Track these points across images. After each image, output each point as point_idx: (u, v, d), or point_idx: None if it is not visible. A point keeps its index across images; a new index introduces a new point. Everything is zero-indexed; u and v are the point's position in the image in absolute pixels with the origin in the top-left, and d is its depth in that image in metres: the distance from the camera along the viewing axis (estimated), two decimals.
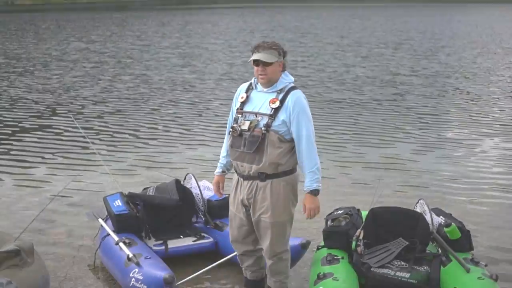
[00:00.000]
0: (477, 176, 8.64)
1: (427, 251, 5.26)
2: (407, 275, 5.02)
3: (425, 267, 5.06)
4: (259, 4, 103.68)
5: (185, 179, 6.35)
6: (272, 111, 4.40)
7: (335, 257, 5.04)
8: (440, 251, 5.18)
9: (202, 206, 6.03)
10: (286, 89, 4.45)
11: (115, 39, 32.24)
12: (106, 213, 5.90)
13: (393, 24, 45.79)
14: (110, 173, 7.26)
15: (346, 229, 5.26)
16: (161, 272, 4.69)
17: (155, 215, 5.84)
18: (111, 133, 11.45)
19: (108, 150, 9.97)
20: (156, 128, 11.82)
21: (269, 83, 4.46)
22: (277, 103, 4.39)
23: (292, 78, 4.56)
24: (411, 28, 42.72)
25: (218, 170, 4.89)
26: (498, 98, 15.06)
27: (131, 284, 4.81)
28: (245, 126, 4.45)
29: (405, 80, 17.97)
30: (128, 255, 5.02)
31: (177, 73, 19.46)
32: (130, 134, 11.34)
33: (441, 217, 5.41)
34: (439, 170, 8.97)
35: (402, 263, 5.13)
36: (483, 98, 15.02)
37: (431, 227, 5.24)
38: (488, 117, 12.73)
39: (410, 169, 8.88)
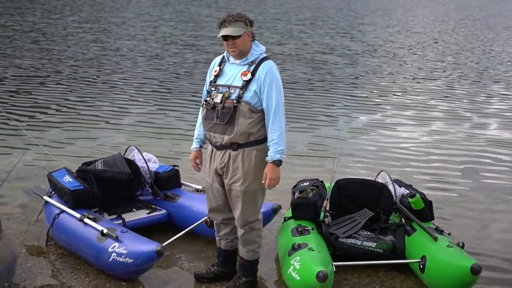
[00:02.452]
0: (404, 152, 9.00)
1: (391, 221, 5.44)
2: (373, 244, 5.22)
3: (390, 237, 5.26)
4: None
5: (126, 151, 6.26)
6: (244, 83, 4.46)
7: (306, 228, 5.13)
8: (403, 221, 5.36)
9: (149, 178, 5.99)
10: (258, 60, 4.52)
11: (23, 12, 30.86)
12: (50, 189, 5.77)
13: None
14: (42, 147, 7.14)
15: (314, 200, 5.37)
16: (150, 245, 4.67)
17: (106, 190, 5.73)
18: (31, 110, 10.99)
19: (33, 128, 9.57)
20: (73, 107, 11.42)
21: (240, 55, 4.53)
22: (249, 75, 4.47)
23: (263, 48, 4.62)
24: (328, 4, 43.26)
25: (194, 145, 4.90)
26: (417, 78, 15.57)
27: (111, 259, 4.73)
28: (218, 99, 4.52)
29: (327, 59, 18.26)
30: (102, 230, 4.91)
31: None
32: (49, 112, 10.94)
33: (402, 188, 5.62)
34: (377, 142, 9.28)
35: (368, 233, 5.32)
36: (402, 77, 15.51)
37: (394, 198, 5.41)
38: (408, 98, 13.14)
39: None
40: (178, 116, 10.80)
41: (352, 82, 14.80)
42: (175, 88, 13.43)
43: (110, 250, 4.74)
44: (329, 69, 16.41)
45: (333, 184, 5.52)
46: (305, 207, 5.35)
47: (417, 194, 5.35)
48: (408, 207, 5.34)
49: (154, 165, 6.07)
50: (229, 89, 4.50)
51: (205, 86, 4.73)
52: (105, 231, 4.89)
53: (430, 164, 8.48)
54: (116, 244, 4.76)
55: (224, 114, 4.47)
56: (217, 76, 4.62)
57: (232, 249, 4.97)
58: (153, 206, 5.85)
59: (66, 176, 5.62)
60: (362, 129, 10.34)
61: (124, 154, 6.12)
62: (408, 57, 19.45)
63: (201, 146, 4.89)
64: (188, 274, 5.12)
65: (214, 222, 4.96)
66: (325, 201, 5.39)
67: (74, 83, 13.49)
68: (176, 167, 6.12)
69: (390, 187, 5.51)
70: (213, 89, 4.58)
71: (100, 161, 5.86)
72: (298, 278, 4.49)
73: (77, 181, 5.55)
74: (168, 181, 5.95)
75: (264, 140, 4.53)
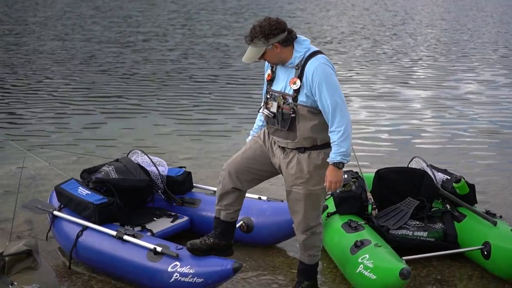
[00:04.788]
0: None
1: (434, 208, 5.36)
2: (425, 233, 5.14)
3: (439, 224, 5.20)
4: None
5: (128, 155, 5.85)
6: (294, 91, 4.18)
7: (359, 223, 4.96)
8: (448, 207, 5.28)
9: (161, 183, 5.63)
10: (303, 61, 4.17)
11: None
12: (57, 203, 5.31)
13: None
14: (37, 157, 6.56)
15: (359, 193, 5.21)
16: (222, 261, 4.33)
17: (122, 199, 5.29)
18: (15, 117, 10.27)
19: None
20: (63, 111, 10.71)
21: (281, 62, 4.23)
22: (298, 83, 4.15)
23: (308, 42, 4.24)
24: None
25: (249, 138, 4.63)
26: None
27: (172, 279, 4.34)
28: (274, 108, 4.25)
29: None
30: (154, 248, 4.49)
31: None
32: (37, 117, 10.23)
33: (440, 173, 5.53)
34: None
35: (417, 222, 5.23)
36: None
37: (436, 184, 5.32)
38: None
39: None
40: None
41: None
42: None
43: (170, 270, 4.35)
44: None
45: (373, 175, 5.40)
46: (351, 200, 5.19)
47: (462, 178, 5.27)
48: (452, 193, 5.26)
49: (163, 169, 5.70)
50: (283, 97, 4.22)
51: (263, 87, 4.45)
52: (158, 249, 4.49)
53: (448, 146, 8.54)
54: (177, 263, 4.36)
55: (284, 120, 4.21)
56: (271, 81, 4.34)
57: (232, 221, 4.59)
58: (173, 213, 5.50)
59: (80, 188, 5.16)
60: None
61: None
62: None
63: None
64: (235, 282, 4.86)
65: (219, 188, 4.49)
66: (369, 193, 5.25)
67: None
68: (185, 168, 5.79)
69: (429, 173, 5.41)
70: (268, 96, 4.32)
71: (110, 168, 5.44)
72: (375, 277, 4.32)
73: (95, 193, 5.10)
74: (182, 184, 5.61)
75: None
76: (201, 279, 4.27)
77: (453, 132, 9.15)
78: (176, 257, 4.38)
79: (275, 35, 4.08)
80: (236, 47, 17.43)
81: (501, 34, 21.82)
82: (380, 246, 4.59)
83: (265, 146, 4.41)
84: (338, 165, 4.16)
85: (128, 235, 4.72)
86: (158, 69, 14.30)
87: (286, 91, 4.19)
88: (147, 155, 5.73)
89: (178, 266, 4.33)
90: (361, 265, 4.44)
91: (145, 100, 11.30)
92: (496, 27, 24.32)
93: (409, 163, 5.72)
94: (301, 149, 4.23)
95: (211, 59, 15.63)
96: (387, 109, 10.62)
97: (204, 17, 25.95)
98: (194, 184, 5.79)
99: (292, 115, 4.15)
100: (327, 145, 4.21)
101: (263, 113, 4.34)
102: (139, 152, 5.81)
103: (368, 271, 4.37)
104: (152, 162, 5.69)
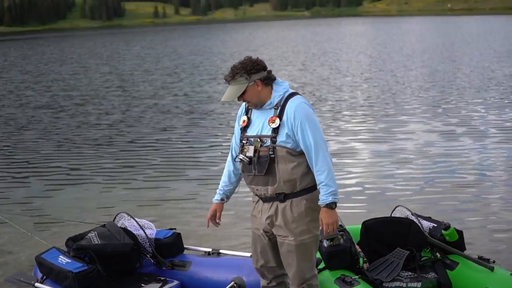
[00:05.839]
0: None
1: (424, 257, 5.25)
2: (418, 284, 5.03)
3: (432, 274, 5.10)
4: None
5: (114, 219, 5.63)
6: (273, 130, 4.12)
7: (353, 278, 4.80)
8: (438, 256, 5.18)
9: (149, 246, 5.40)
10: (282, 100, 4.15)
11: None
12: (40, 274, 5.06)
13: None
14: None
15: (348, 246, 5.06)
16: None
17: (106, 266, 5.06)
18: None
19: None
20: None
21: (259, 105, 4.20)
22: (277, 121, 4.12)
23: (286, 84, 4.24)
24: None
25: (216, 197, 4.53)
26: None
27: None
28: (250, 152, 4.17)
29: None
30: None
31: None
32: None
33: (425, 220, 5.44)
34: None
35: (409, 273, 5.12)
36: None
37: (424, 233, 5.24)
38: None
39: None
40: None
41: None
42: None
43: None
44: None
45: (357, 227, 5.27)
46: (341, 255, 5.03)
47: (451, 225, 5.20)
48: (441, 240, 5.18)
49: (151, 231, 5.48)
50: (260, 139, 4.15)
51: (233, 137, 4.39)
52: None
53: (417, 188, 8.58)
54: None
55: (261, 164, 4.12)
56: (246, 127, 4.27)
57: None
58: (162, 278, 5.23)
59: (61, 256, 4.93)
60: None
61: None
62: None
63: (222, 200, 4.51)
64: None
65: (261, 281, 4.51)
66: (357, 246, 5.11)
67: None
68: (175, 230, 5.57)
69: (416, 222, 5.32)
70: (244, 141, 4.23)
71: (93, 233, 5.21)
72: None
73: (76, 261, 4.86)
74: (172, 247, 5.40)
75: (313, 188, 4.19)
76: None
77: (423, 182, 9.08)
78: None
79: (257, 71, 4.12)
80: (176, 107, 17.31)
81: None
82: None
83: (257, 219, 4.31)
84: (331, 206, 4.10)
85: None
86: (96, 133, 13.98)
87: (263, 133, 4.14)
88: (133, 218, 5.51)
89: None
90: None
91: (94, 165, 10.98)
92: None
93: (392, 212, 5.62)
94: (281, 197, 4.14)
95: (150, 121, 15.41)
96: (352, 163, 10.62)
97: (139, 78, 25.79)
98: (185, 246, 5.56)
99: (271, 156, 4.07)
100: (306, 191, 4.15)
101: (238, 159, 4.23)
102: (126, 215, 5.59)
103: None
104: (139, 225, 5.46)
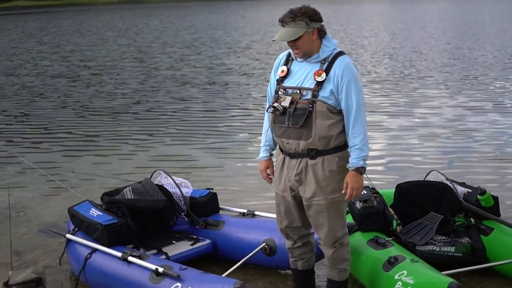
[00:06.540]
0: None
1: (457, 222, 5.17)
2: (452, 248, 4.98)
3: (466, 239, 5.04)
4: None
5: (151, 177, 5.61)
6: (317, 84, 4.02)
7: (386, 239, 4.73)
8: (472, 221, 5.09)
9: (184, 205, 5.39)
10: (331, 57, 4.08)
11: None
12: (72, 226, 5.11)
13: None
14: (54, 179, 6.44)
15: (382, 208, 4.99)
16: (224, 282, 4.02)
17: (138, 221, 5.10)
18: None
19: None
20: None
21: (307, 55, 4.09)
22: (323, 75, 4.02)
23: (336, 42, 4.17)
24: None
25: (262, 154, 4.42)
26: None
27: None
28: (286, 102, 4.06)
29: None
30: (156, 269, 4.23)
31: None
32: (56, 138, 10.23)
33: (459, 186, 5.36)
34: None
35: (443, 237, 5.08)
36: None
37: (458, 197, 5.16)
38: None
39: None
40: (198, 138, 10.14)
41: None
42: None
43: None
44: None
45: (389, 190, 5.22)
46: (374, 217, 4.97)
47: (487, 191, 5.10)
48: (476, 205, 5.09)
49: (187, 190, 5.50)
50: (299, 91, 4.04)
51: (269, 87, 4.27)
52: (160, 269, 4.22)
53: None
54: (179, 284, 4.12)
55: (297, 116, 4.01)
56: (284, 77, 4.15)
57: (310, 268, 4.55)
58: (194, 236, 5.24)
59: (93, 209, 4.94)
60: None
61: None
62: None
63: (271, 154, 4.42)
64: None
65: (287, 243, 4.48)
66: (390, 209, 5.04)
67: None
68: (211, 190, 5.54)
69: (450, 186, 5.23)
70: (280, 92, 4.11)
71: (128, 189, 5.23)
72: None
73: (107, 214, 4.86)
74: (207, 206, 5.40)
75: (345, 146, 4.11)
76: None
77: (452, 155, 8.97)
78: (177, 278, 4.14)
79: (317, 20, 4.04)
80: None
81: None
82: (417, 261, 4.36)
83: (281, 179, 4.23)
84: (361, 170, 4.03)
85: (133, 256, 4.45)
86: (113, 102, 13.95)
87: (305, 85, 4.04)
88: (170, 176, 5.53)
89: (180, 287, 4.07)
90: (399, 282, 4.19)
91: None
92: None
93: (426, 176, 5.53)
94: (313, 153, 4.04)
95: (169, 91, 15.37)
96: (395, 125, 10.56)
97: (157, 50, 25.73)
98: (220, 206, 5.54)
99: (310, 109, 3.96)
100: (338, 149, 4.08)
101: (271, 108, 4.11)
102: (163, 173, 5.61)
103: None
104: (175, 183, 5.47)
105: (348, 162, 4.06)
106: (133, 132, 10.86)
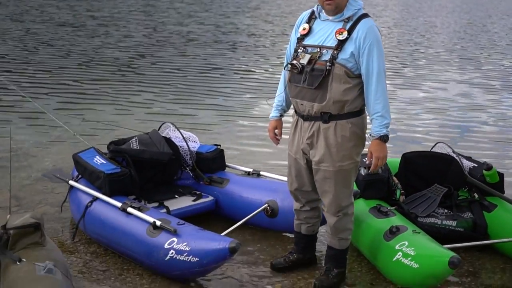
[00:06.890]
0: None
1: (461, 197, 5.14)
2: (454, 223, 4.94)
3: (469, 214, 5.01)
4: None
5: (159, 129, 5.57)
6: (339, 43, 3.92)
7: (388, 208, 4.70)
8: (476, 196, 5.06)
9: (189, 159, 5.35)
10: (356, 17, 3.96)
11: None
12: (75, 173, 5.09)
13: None
14: (64, 127, 6.33)
15: (386, 177, 4.96)
16: (219, 240, 3.99)
17: (142, 173, 5.05)
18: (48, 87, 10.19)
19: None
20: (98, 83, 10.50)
21: (337, 9, 3.97)
22: (345, 34, 3.91)
23: (361, 3, 4.07)
24: None
25: (273, 113, 4.37)
26: None
27: (167, 257, 4.06)
28: (305, 60, 3.95)
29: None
30: (154, 222, 4.19)
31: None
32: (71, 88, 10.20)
33: (465, 160, 5.31)
34: None
35: (445, 210, 5.04)
36: None
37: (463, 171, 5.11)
38: None
39: None
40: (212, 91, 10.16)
41: None
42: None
43: (166, 246, 4.07)
44: None
45: (394, 160, 5.17)
46: (378, 184, 4.94)
47: (493, 166, 5.05)
48: (481, 181, 5.05)
49: (194, 145, 5.44)
50: (320, 49, 3.93)
51: (288, 46, 4.18)
52: (158, 223, 4.19)
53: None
54: (175, 239, 4.07)
55: (314, 77, 3.90)
56: (305, 35, 4.05)
57: (314, 234, 4.55)
58: (198, 192, 5.20)
59: (97, 157, 4.90)
60: None
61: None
62: None
63: (281, 115, 4.37)
64: (262, 267, 4.58)
65: (294, 204, 4.45)
66: (395, 178, 5.00)
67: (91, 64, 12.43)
68: (219, 147, 5.49)
69: (456, 159, 5.18)
70: (300, 50, 4.01)
71: (134, 139, 5.17)
72: (417, 265, 4.07)
73: (111, 163, 4.82)
74: (213, 162, 5.34)
75: (360, 112, 4.02)
76: (196, 259, 3.97)
77: (458, 130, 8.95)
78: (174, 233, 4.10)
79: None
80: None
81: None
82: (419, 232, 4.34)
83: (294, 141, 4.17)
84: (385, 138, 3.94)
85: (133, 207, 4.42)
86: (116, 54, 13.83)
87: (326, 44, 3.92)
88: (178, 130, 5.48)
89: (175, 242, 4.05)
90: (400, 253, 4.18)
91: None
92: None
93: (432, 148, 5.48)
94: (326, 117, 3.95)
95: (174, 47, 15.22)
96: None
97: (165, 5, 25.48)
98: (227, 164, 5.49)
99: (328, 70, 3.86)
100: (352, 114, 3.98)
101: (289, 65, 4.01)
102: (171, 126, 5.55)
103: (409, 259, 4.11)
104: (183, 137, 5.41)
105: (361, 130, 4.01)
106: (139, 84, 10.78)
